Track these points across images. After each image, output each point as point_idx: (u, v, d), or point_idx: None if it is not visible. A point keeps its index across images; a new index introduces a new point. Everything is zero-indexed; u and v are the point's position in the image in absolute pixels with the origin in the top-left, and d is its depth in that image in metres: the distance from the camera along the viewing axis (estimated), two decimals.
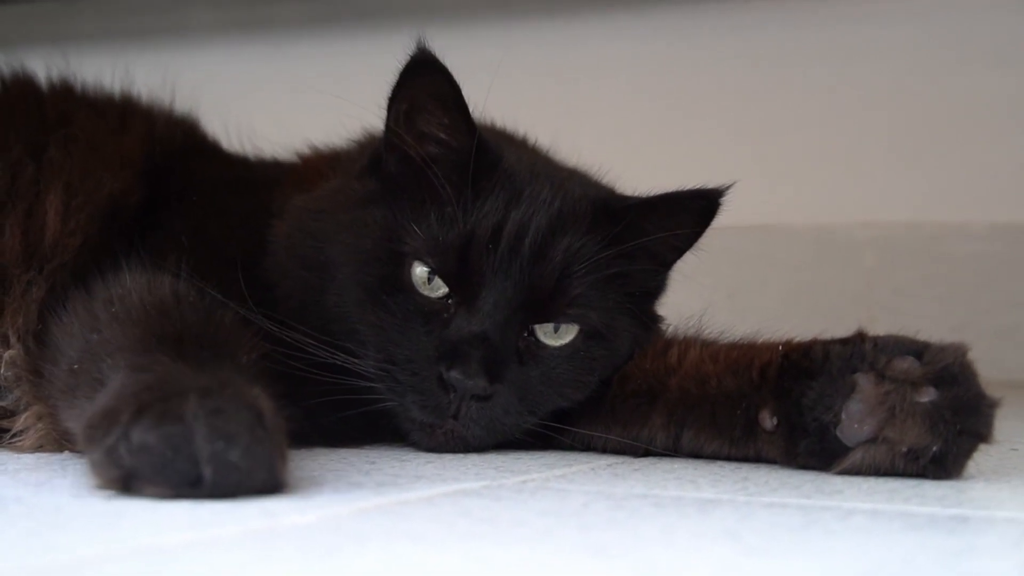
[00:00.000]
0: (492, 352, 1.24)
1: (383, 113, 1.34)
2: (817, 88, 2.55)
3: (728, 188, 1.31)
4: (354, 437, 1.33)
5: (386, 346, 1.27)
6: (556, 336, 1.30)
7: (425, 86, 1.29)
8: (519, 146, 1.48)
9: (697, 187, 1.32)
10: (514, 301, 1.27)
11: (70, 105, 1.50)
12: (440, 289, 1.28)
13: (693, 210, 1.34)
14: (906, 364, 1.11)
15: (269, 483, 0.96)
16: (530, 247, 1.28)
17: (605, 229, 1.31)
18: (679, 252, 1.38)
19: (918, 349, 1.13)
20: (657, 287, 1.41)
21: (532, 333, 1.29)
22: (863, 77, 2.52)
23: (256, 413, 0.95)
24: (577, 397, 1.32)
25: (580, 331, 1.30)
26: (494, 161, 1.32)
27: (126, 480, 0.94)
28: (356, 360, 1.27)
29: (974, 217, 2.43)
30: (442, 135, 1.31)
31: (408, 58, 1.29)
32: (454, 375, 1.23)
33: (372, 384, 1.26)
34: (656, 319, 1.40)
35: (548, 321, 1.29)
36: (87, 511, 0.93)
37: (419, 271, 1.28)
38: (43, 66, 1.57)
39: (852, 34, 2.54)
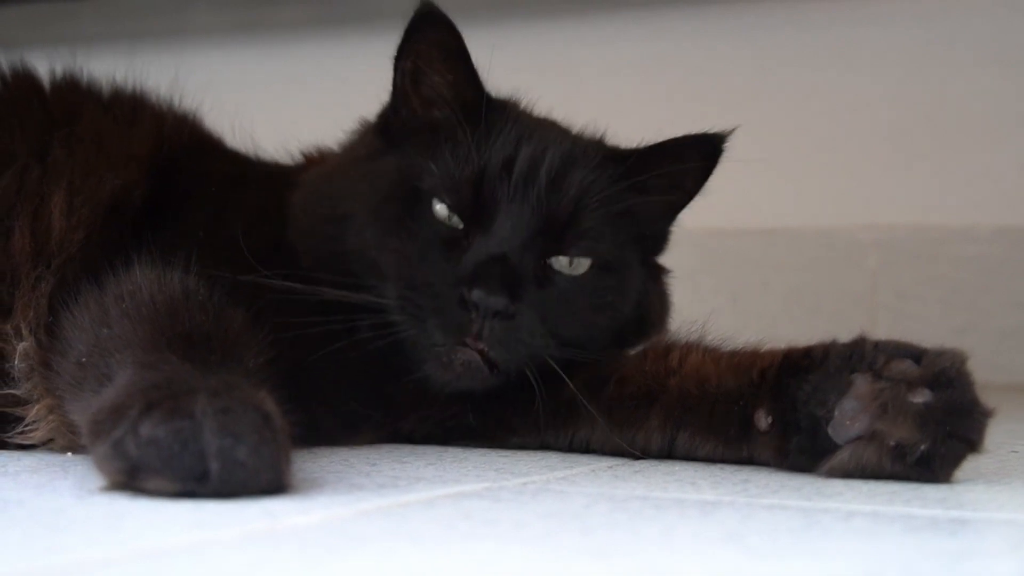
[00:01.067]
0: (511, 272, 1.27)
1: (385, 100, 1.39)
2: (820, 90, 2.55)
3: (730, 133, 1.37)
4: (363, 398, 1.33)
5: (407, 272, 1.30)
6: (571, 268, 1.33)
7: (430, 39, 1.35)
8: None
9: (699, 132, 1.38)
10: (531, 225, 1.30)
11: (76, 100, 1.50)
12: (460, 223, 1.32)
13: (697, 152, 1.40)
14: (904, 365, 1.12)
15: (274, 483, 0.96)
16: (546, 175, 1.32)
17: (614, 168, 1.36)
18: (686, 195, 1.43)
19: (917, 353, 1.13)
20: (662, 234, 1.45)
21: (548, 263, 1.32)
22: (866, 79, 2.52)
23: (263, 415, 0.96)
24: (592, 332, 1.34)
25: (592, 263, 1.34)
26: (504, 103, 1.39)
27: (132, 473, 0.94)
28: (376, 299, 1.29)
29: (978, 220, 2.43)
30: (450, 87, 1.36)
31: (412, 14, 1.34)
32: (476, 294, 1.25)
33: (392, 317, 1.29)
34: (663, 271, 1.45)
35: (562, 253, 1.33)
36: (89, 513, 0.93)
37: (439, 207, 1.32)
38: (46, 66, 1.56)
39: (855, 36, 2.54)
